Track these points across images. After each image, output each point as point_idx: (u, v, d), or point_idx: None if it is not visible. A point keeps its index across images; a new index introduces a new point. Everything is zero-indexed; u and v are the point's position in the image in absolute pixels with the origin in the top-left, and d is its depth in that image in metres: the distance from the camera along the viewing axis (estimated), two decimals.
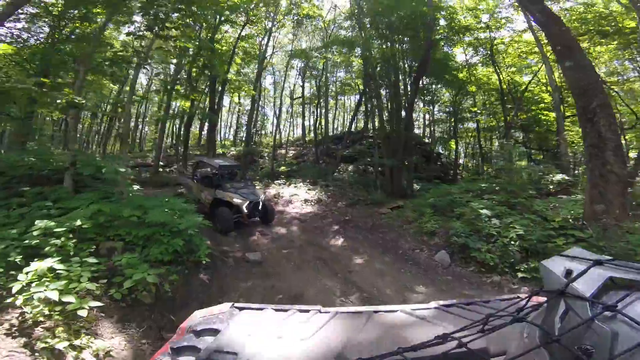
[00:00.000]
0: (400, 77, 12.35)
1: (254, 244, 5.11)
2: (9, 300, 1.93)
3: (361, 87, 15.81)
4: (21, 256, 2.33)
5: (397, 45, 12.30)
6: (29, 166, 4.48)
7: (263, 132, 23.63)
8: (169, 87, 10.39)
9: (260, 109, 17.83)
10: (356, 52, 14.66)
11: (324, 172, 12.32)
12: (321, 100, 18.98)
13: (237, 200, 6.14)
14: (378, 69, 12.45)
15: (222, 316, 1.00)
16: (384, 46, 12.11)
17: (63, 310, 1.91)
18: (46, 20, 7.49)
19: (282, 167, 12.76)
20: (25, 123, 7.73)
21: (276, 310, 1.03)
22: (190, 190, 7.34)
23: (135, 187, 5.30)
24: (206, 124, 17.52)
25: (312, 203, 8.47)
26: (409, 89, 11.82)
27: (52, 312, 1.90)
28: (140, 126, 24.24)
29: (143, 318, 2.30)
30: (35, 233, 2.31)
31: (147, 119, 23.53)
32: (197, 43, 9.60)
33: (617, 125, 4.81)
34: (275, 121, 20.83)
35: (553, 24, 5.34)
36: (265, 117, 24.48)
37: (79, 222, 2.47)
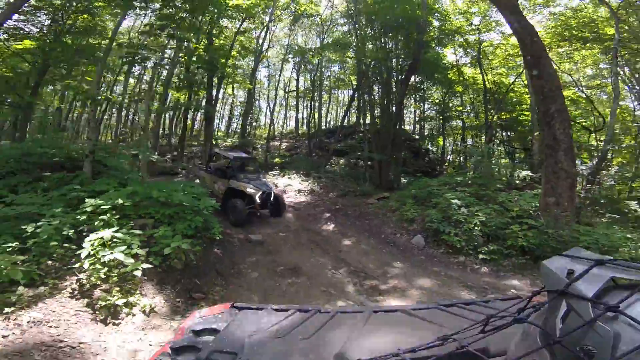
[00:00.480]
0: (393, 75, 12.98)
1: (254, 227, 5.72)
2: (76, 265, 2.51)
3: (355, 82, 16.34)
4: (72, 230, 2.90)
5: (390, 45, 12.88)
6: (47, 155, 4.93)
7: (256, 124, 23.89)
8: (166, 80, 10.70)
9: (255, 101, 18.13)
10: (351, 50, 15.13)
11: (316, 164, 12.93)
12: (315, 94, 19.45)
13: (250, 190, 6.21)
14: (371, 66, 13.00)
15: (222, 316, 1.02)
16: (378, 46, 12.66)
17: (119, 272, 2.51)
18: (48, 11, 7.70)
19: (277, 159, 13.29)
20: (26, 112, 8.02)
21: (276, 310, 1.05)
22: (203, 181, 7.45)
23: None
24: (198, 115, 17.80)
25: (306, 193, 9.11)
26: (400, 87, 12.48)
27: (109, 275, 2.48)
28: (130, 116, 24.13)
29: (176, 281, 2.91)
30: (88, 209, 2.86)
31: (139, 110, 23.44)
32: (198, 37, 9.92)
33: (570, 129, 5.57)
34: (269, 114, 21.22)
35: (527, 35, 6.04)
36: (260, 110, 24.75)
37: (120, 201, 3.03)
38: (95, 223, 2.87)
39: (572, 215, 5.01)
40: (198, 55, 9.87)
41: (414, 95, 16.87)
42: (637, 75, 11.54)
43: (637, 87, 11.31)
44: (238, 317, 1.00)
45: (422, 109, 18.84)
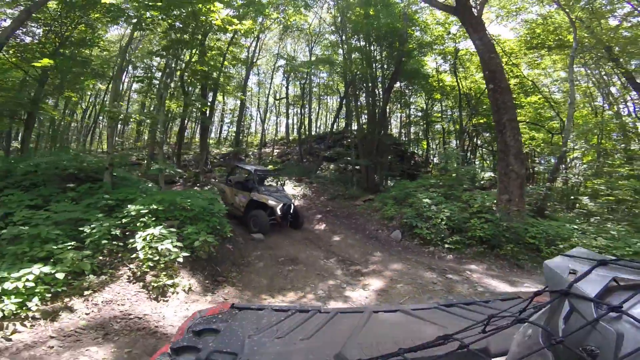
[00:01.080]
0: (378, 83, 14.11)
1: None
2: (133, 256, 3.34)
3: (343, 89, 17.43)
4: (119, 230, 3.71)
5: (374, 54, 14.04)
6: (69, 167, 5.67)
7: (248, 131, 24.65)
8: (162, 92, 11.42)
9: (246, 109, 18.94)
10: (338, 58, 16.19)
11: (307, 170, 13.86)
12: (305, 101, 20.45)
13: (272, 202, 6.44)
14: (358, 75, 14.08)
15: (222, 316, 1.03)
16: (363, 56, 13.78)
17: (165, 260, 3.35)
18: (45, 22, 8.33)
19: (270, 166, 14.13)
20: (28, 124, 8.62)
21: (276, 310, 1.06)
22: (223, 194, 7.63)
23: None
24: (188, 123, 18.41)
25: (299, 197, 10.01)
26: (384, 95, 13.62)
27: (157, 263, 3.32)
28: (120, 125, 24.43)
29: (203, 268, 3.76)
30: (133, 213, 3.69)
31: (133, 119, 23.83)
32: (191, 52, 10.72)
33: (520, 135, 6.69)
34: (260, 121, 22.07)
35: (486, 52, 7.15)
36: (251, 117, 25.52)
37: (154, 206, 3.86)
38: (137, 224, 3.69)
39: (522, 210, 6.11)
40: (192, 68, 10.68)
41: (399, 101, 18.09)
42: (605, 77, 12.92)
43: (604, 88, 12.67)
44: (238, 317, 1.02)
45: (407, 114, 20.09)
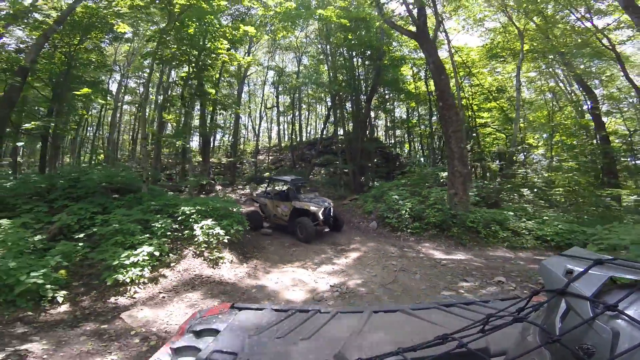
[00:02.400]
0: (362, 93, 16.27)
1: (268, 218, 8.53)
2: (194, 240, 5.29)
3: (330, 98, 19.56)
4: (177, 225, 5.65)
5: (357, 67, 16.22)
6: (104, 181, 7.47)
7: (243, 139, 26.47)
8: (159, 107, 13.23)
9: (239, 119, 20.81)
10: (324, 68, 18.28)
11: (301, 175, 15.87)
12: (295, 110, 22.48)
13: (313, 208, 7.00)
14: (343, 85, 16.15)
15: (222, 316, 1.09)
16: (345, 70, 15.94)
17: (216, 241, 5.31)
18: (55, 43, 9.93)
19: (267, 173, 16.09)
20: (54, 140, 10.28)
21: (276, 310, 1.12)
22: (265, 207, 8.16)
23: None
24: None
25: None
26: (365, 105, 15.78)
27: (210, 243, 5.28)
28: (115, 135, 25.90)
29: (236, 248, 5.71)
30: (188, 212, 5.63)
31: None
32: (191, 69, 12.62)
33: (463, 142, 8.84)
34: (253, 130, 23.99)
35: (438, 73, 9.31)
36: (244, 126, 27.36)
37: (198, 207, 5.80)
38: (190, 220, 5.64)
39: (465, 201, 8.26)
40: (188, 81, 12.56)
41: (381, 107, 20.33)
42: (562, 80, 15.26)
43: (569, 89, 15.06)
44: (238, 317, 1.07)
45: (392, 118, 22.34)
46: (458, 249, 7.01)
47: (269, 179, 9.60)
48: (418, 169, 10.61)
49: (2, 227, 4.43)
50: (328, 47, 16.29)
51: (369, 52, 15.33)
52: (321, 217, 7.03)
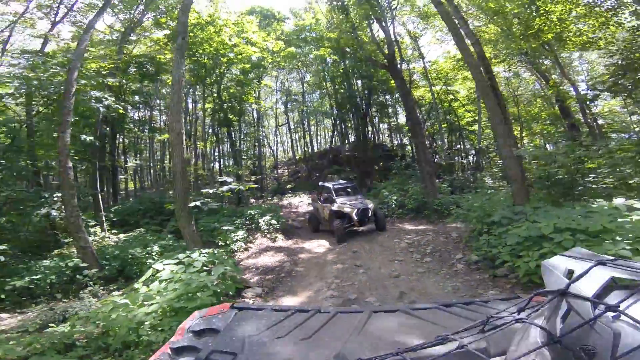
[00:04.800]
0: (361, 108, 20.70)
1: (294, 219, 13.08)
2: (261, 227, 9.87)
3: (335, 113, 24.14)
4: (233, 227, 10.24)
5: (353, 85, 20.75)
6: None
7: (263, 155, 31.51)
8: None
9: (260, 141, 25.74)
10: (326, 84, 22.87)
11: (315, 184, 20.34)
12: (304, 125, 27.15)
13: (347, 210, 8.08)
14: (341, 102, 20.56)
15: (222, 316, 1.15)
16: (343, 89, 20.46)
17: (272, 228, 9.85)
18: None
19: (289, 185, 20.72)
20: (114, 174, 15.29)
21: (276, 310, 1.19)
22: (317, 211, 10.04)
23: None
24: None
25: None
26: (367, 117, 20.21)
27: (269, 230, 9.82)
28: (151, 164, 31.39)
29: (282, 232, 10.25)
30: (253, 213, 10.19)
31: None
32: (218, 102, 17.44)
33: (427, 149, 13.01)
34: (270, 147, 28.94)
35: (406, 96, 13.60)
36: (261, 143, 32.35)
37: (258, 210, 10.36)
38: (255, 217, 10.24)
39: (434, 191, 12.36)
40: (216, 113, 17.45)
41: (382, 113, 24.60)
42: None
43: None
44: (238, 317, 1.13)
45: (394, 123, 26.42)
46: (426, 224, 11.16)
47: (320, 186, 11.26)
48: (401, 168, 14.92)
49: (141, 232, 9.18)
50: (326, 72, 20.97)
51: (360, 73, 19.85)
52: (355, 218, 8.35)
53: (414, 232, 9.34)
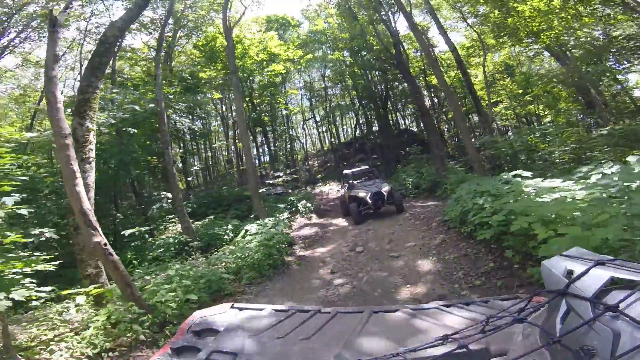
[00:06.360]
0: (381, 98, 23.22)
1: (324, 204, 16.37)
2: (299, 209, 13.32)
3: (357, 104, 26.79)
4: (289, 206, 13.70)
5: (371, 80, 23.26)
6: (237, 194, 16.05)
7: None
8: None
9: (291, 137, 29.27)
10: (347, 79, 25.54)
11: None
12: (329, 118, 30.09)
13: (361, 194, 9.04)
14: (362, 93, 23.09)
15: (222, 316, 1.20)
16: (362, 80, 23.03)
17: (307, 210, 13.23)
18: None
19: (319, 175, 24.03)
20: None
21: (276, 310, 1.24)
22: (344, 197, 11.48)
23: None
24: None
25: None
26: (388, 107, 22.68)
27: (305, 212, 13.21)
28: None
29: (315, 213, 13.60)
30: (293, 199, 13.61)
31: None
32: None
33: (436, 133, 15.35)
34: (299, 140, 32.39)
35: (415, 94, 15.98)
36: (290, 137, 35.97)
37: (296, 197, 13.72)
38: (294, 202, 13.68)
39: (443, 172, 14.77)
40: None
41: (404, 101, 26.80)
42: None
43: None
44: (238, 317, 1.18)
45: (415, 110, 28.43)
46: (436, 201, 13.74)
47: (342, 174, 12.98)
48: (418, 155, 17.52)
49: (211, 219, 12.90)
50: (344, 69, 23.63)
51: (376, 67, 22.26)
52: (369, 201, 9.40)
53: (420, 207, 12.08)
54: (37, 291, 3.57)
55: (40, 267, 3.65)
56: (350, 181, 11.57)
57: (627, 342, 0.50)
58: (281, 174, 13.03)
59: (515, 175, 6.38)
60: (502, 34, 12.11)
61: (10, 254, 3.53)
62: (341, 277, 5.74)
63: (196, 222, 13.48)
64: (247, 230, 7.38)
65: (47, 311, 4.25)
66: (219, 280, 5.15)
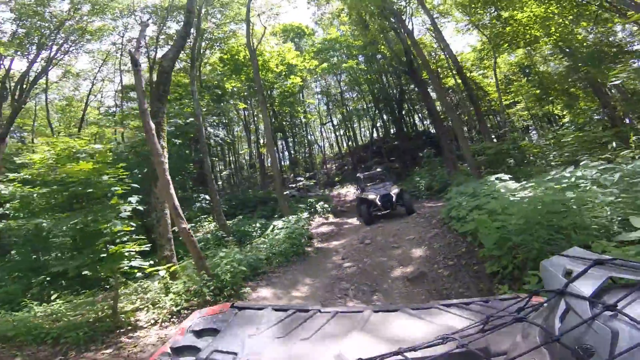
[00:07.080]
0: (395, 104, 24.60)
1: (341, 206, 18.03)
2: (317, 211, 15.10)
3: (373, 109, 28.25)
4: (308, 207, 15.49)
5: (388, 82, 24.68)
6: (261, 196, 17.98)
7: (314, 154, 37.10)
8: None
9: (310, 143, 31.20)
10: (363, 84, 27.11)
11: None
12: (346, 122, 31.69)
13: (371, 196, 9.72)
14: (378, 97, 24.56)
15: (222, 316, 1.22)
16: (378, 85, 24.50)
17: (325, 210, 14.96)
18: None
19: (337, 178, 25.73)
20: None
21: (276, 310, 1.25)
22: (358, 199, 12.27)
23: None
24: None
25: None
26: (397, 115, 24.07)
27: (323, 212, 14.93)
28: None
29: (331, 214, 15.28)
30: (313, 200, 15.36)
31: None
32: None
33: (448, 138, 16.57)
34: (317, 144, 34.21)
35: (426, 101, 17.27)
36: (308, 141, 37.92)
37: (315, 199, 15.49)
38: (314, 204, 15.44)
39: (454, 174, 15.99)
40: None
41: (420, 104, 27.95)
42: None
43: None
44: (238, 317, 1.20)
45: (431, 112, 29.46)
46: (445, 202, 15.03)
47: (357, 177, 14.14)
48: (430, 157, 18.81)
49: (239, 218, 14.86)
50: (359, 75, 25.21)
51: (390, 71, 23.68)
52: (378, 203, 10.10)
53: (429, 207, 13.46)
54: (142, 263, 5.51)
55: (142, 248, 5.58)
56: (360, 184, 12.64)
57: (626, 341, 0.53)
58: (301, 178, 14.36)
59: (497, 178, 7.79)
60: (501, 42, 13.25)
61: (125, 238, 5.48)
62: (349, 262, 7.40)
63: (227, 221, 15.58)
64: (274, 226, 9.24)
65: (142, 282, 6.23)
66: (257, 261, 6.96)
